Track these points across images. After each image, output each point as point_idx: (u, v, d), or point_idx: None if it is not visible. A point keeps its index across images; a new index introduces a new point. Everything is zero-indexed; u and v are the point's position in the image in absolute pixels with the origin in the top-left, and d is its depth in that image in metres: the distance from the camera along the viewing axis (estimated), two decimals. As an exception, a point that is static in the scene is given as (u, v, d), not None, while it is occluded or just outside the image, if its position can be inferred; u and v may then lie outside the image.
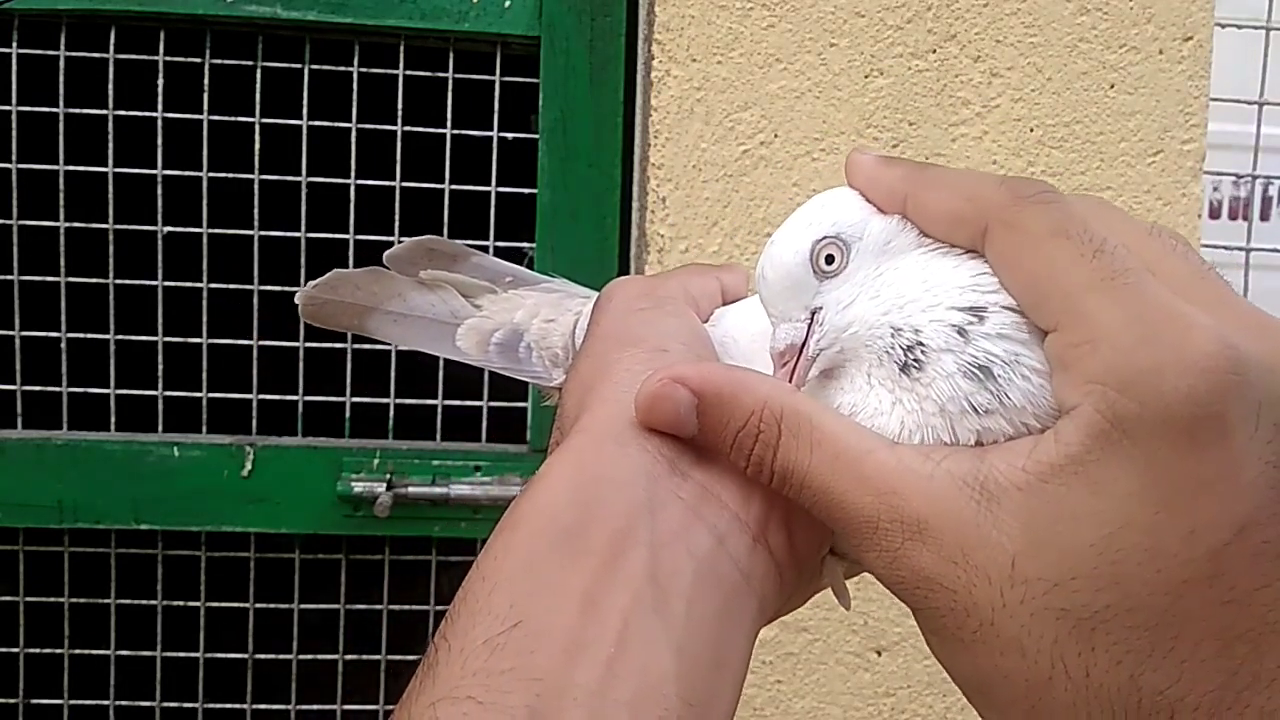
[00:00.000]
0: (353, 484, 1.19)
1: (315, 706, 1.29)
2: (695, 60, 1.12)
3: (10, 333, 1.19)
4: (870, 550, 0.34)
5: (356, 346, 1.21)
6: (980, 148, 1.15)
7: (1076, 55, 1.15)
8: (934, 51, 1.14)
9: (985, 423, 0.34)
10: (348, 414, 1.24)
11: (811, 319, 0.39)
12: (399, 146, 1.20)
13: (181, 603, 1.26)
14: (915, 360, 0.36)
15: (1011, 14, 1.14)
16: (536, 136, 1.19)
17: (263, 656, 1.26)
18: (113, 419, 1.21)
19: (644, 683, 0.31)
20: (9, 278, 1.18)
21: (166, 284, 1.20)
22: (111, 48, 1.16)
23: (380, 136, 1.20)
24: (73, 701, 1.26)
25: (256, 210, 1.19)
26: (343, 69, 1.19)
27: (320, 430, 1.24)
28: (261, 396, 1.22)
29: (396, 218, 1.21)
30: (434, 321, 0.55)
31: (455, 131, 1.20)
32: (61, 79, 1.16)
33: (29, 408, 1.20)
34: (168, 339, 1.21)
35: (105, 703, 1.26)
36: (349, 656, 1.28)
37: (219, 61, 1.18)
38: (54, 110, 1.16)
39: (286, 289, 1.20)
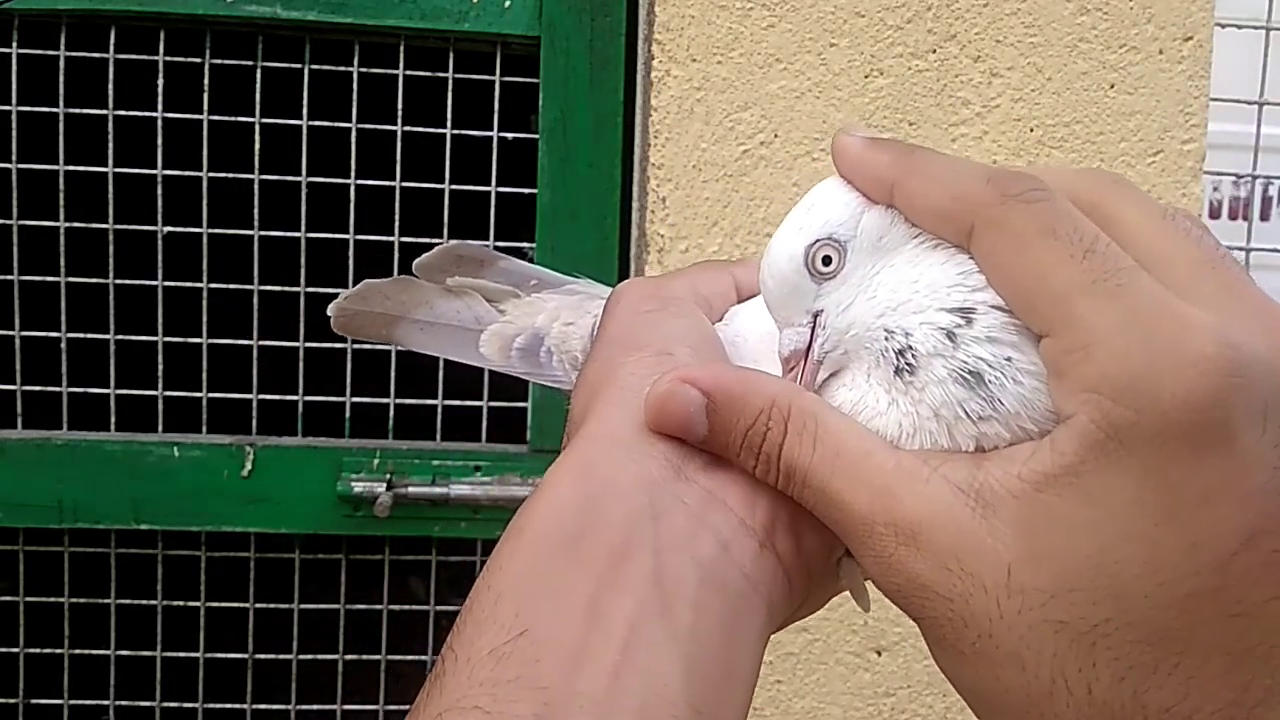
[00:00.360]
0: (353, 484, 1.19)
1: (315, 706, 1.29)
2: (695, 60, 1.12)
3: (10, 333, 1.19)
4: (866, 554, 0.34)
5: (356, 347, 1.21)
6: (980, 148, 1.15)
7: (1076, 55, 1.15)
8: (934, 51, 1.14)
9: (982, 428, 0.34)
10: (348, 414, 1.24)
11: (814, 322, 0.38)
12: (399, 146, 1.20)
13: (181, 603, 1.26)
14: (908, 364, 0.36)
15: (1011, 14, 1.14)
16: (536, 136, 1.19)
17: (263, 656, 1.26)
18: (113, 419, 1.21)
19: (651, 690, 0.31)
20: (9, 278, 1.18)
21: (166, 284, 1.20)
22: (111, 48, 1.16)
23: (380, 136, 1.20)
24: (73, 701, 1.26)
25: (256, 210, 1.19)
26: (343, 69, 1.19)
27: (320, 430, 1.24)
28: (261, 396, 1.22)
29: (396, 218, 1.21)
30: (459, 328, 0.55)
31: (455, 131, 1.20)
32: (61, 79, 1.16)
33: (29, 408, 1.20)
34: (168, 339, 1.21)
35: (105, 703, 1.26)
36: (349, 656, 1.28)
37: (219, 61, 1.18)
38: (54, 110, 1.16)
39: (286, 289, 1.20)
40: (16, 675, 1.25)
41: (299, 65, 1.18)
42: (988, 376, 0.34)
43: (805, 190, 0.40)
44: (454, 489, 1.20)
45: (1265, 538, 0.29)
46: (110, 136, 1.16)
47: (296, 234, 1.20)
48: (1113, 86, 1.16)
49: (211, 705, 1.27)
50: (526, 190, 1.20)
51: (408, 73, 1.19)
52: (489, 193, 1.21)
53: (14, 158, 1.16)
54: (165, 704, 1.27)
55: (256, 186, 1.19)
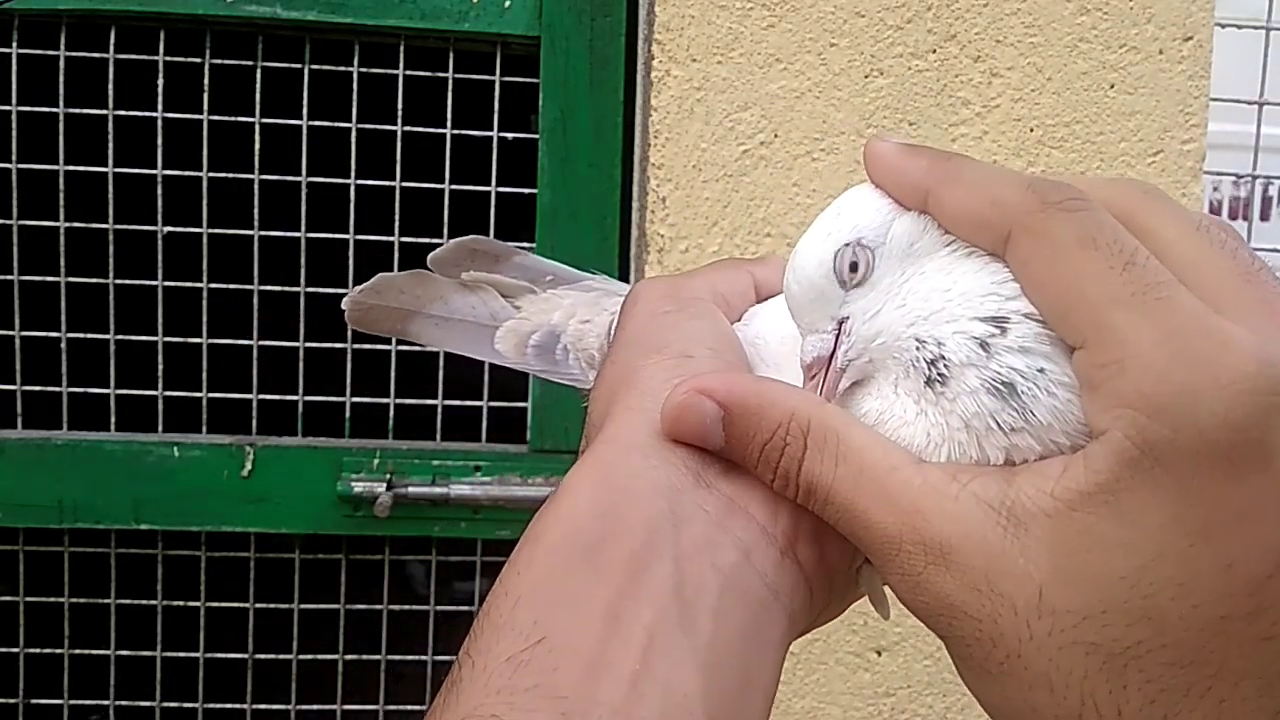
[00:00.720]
0: (353, 484, 1.19)
1: (315, 706, 1.29)
2: (695, 60, 1.12)
3: (10, 333, 1.19)
4: (893, 573, 0.33)
5: (356, 346, 1.21)
6: (980, 148, 1.15)
7: (1076, 55, 1.15)
8: (934, 51, 1.14)
9: (1013, 440, 0.33)
10: (348, 414, 1.24)
11: (839, 329, 0.38)
12: (399, 146, 1.20)
13: (181, 603, 1.26)
14: (939, 375, 0.35)
15: (1011, 14, 1.14)
16: (536, 136, 1.19)
17: (263, 656, 1.26)
18: (113, 419, 1.21)
19: (669, 700, 0.30)
20: (9, 278, 1.18)
21: (166, 284, 1.20)
22: (111, 48, 1.16)
23: (380, 136, 1.20)
24: (73, 701, 1.26)
25: (256, 210, 1.19)
26: (343, 69, 1.19)
27: (320, 430, 1.24)
28: (261, 396, 1.22)
29: (396, 218, 1.21)
30: (474, 324, 0.54)
31: (455, 131, 1.20)
32: (61, 79, 1.16)
33: (29, 408, 1.20)
34: (168, 339, 1.21)
35: (105, 703, 1.26)
36: (349, 656, 1.28)
37: (219, 61, 1.18)
38: (54, 110, 1.16)
39: (286, 289, 1.20)
40: (16, 675, 1.25)
41: (299, 65, 1.18)
42: (1020, 387, 0.33)
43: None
44: (454, 489, 1.20)
45: None
46: (110, 136, 1.16)
47: (296, 234, 1.20)
48: (1113, 86, 1.16)
49: (211, 705, 1.27)
50: (526, 190, 1.20)
51: (408, 73, 1.19)
52: (489, 193, 1.21)
53: (14, 158, 1.16)
54: (165, 704, 1.27)
55: (256, 186, 1.19)
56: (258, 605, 1.26)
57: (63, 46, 1.16)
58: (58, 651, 1.24)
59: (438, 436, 1.25)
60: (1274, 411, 0.28)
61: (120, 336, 1.20)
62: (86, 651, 1.26)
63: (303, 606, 1.26)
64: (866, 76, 1.14)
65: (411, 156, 1.21)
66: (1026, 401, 0.33)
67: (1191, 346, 0.29)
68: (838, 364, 0.37)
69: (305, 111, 1.18)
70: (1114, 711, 0.30)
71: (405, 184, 1.21)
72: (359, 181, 1.20)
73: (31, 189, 1.17)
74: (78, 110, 1.17)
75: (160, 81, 1.17)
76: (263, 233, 1.20)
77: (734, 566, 0.33)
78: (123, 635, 1.26)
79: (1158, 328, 0.29)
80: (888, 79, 1.14)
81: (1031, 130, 1.16)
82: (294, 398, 1.22)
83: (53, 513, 1.19)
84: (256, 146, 1.18)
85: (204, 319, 1.21)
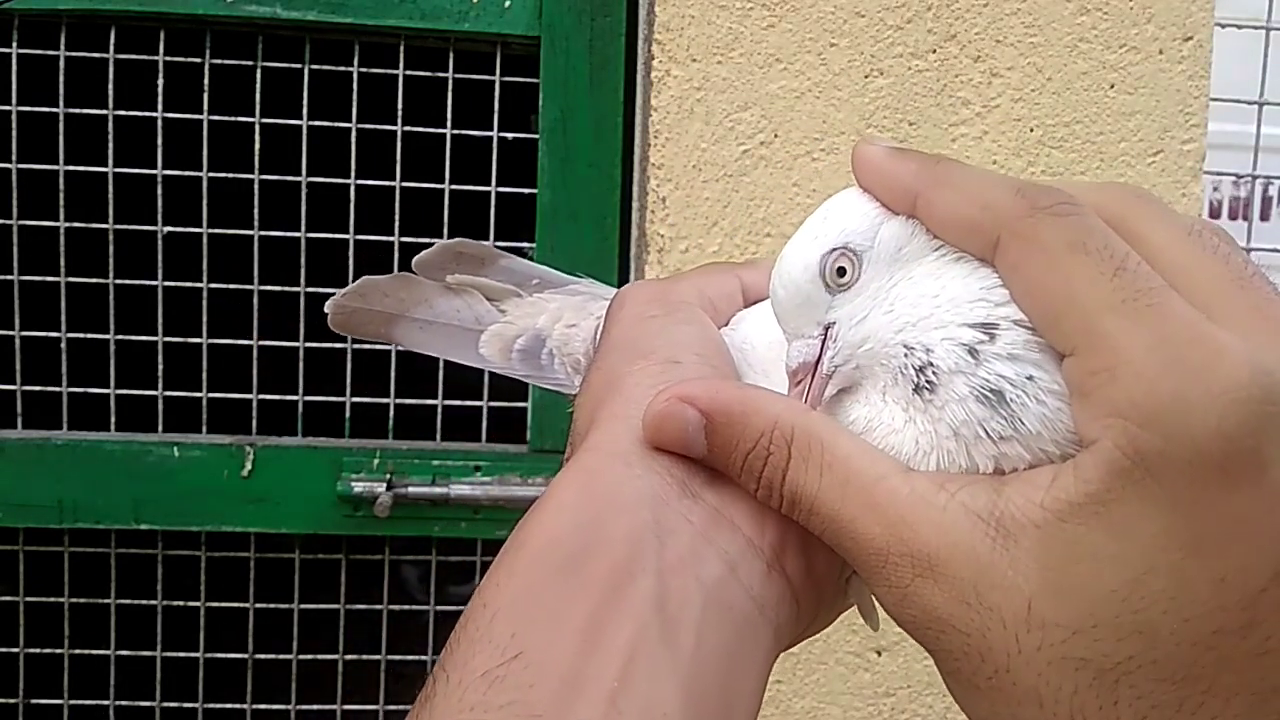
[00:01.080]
0: (353, 484, 1.19)
1: (315, 706, 1.29)
2: (695, 60, 1.12)
3: (10, 333, 1.19)
4: (880, 585, 0.33)
5: (356, 346, 1.21)
6: (980, 148, 1.15)
7: (1076, 55, 1.15)
8: (934, 51, 1.14)
9: (1002, 449, 0.33)
10: (348, 414, 1.24)
11: (825, 335, 0.37)
12: (399, 146, 1.20)
13: (181, 603, 1.26)
14: (928, 382, 0.34)
15: (1011, 14, 1.14)
16: (536, 136, 1.19)
17: (263, 656, 1.26)
18: (113, 419, 1.21)
19: (649, 718, 0.29)
20: (9, 278, 1.18)
21: (166, 284, 1.20)
22: (111, 48, 1.16)
23: (380, 136, 1.20)
24: (73, 701, 1.26)
25: (256, 210, 1.19)
26: (343, 69, 1.19)
27: (320, 430, 1.24)
28: (261, 396, 1.22)
29: (396, 218, 1.21)
30: (459, 328, 0.54)
31: (455, 131, 1.20)
32: (61, 79, 1.16)
33: (29, 408, 1.20)
34: (168, 339, 1.21)
35: (105, 703, 1.26)
36: (349, 656, 1.28)
37: (219, 61, 1.18)
38: (54, 110, 1.16)
39: (286, 289, 1.20)
40: (16, 675, 1.25)
41: (299, 65, 1.18)
42: (1009, 395, 0.33)
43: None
44: (454, 489, 1.20)
45: None
46: (110, 136, 1.16)
47: (296, 234, 1.20)
48: (1113, 86, 1.16)
49: (211, 705, 1.27)
50: (526, 190, 1.20)
51: (408, 73, 1.19)
52: (489, 193, 1.21)
53: (14, 158, 1.16)
54: (165, 704, 1.27)
55: (256, 186, 1.19)
56: (258, 605, 1.26)
57: (63, 46, 1.16)
58: (58, 651, 1.24)
59: (438, 436, 1.25)
60: (1267, 421, 0.28)
61: (120, 336, 1.20)
62: (86, 651, 1.26)
63: (303, 606, 1.26)
64: (866, 76, 1.14)
65: (411, 156, 1.21)
66: (1015, 409, 0.32)
67: (1183, 354, 0.29)
68: (823, 370, 0.37)
69: (305, 111, 1.18)
70: None
71: (405, 184, 1.21)
72: (359, 181, 1.20)
73: (31, 189, 1.17)
74: (78, 110, 1.17)
75: (160, 81, 1.17)
76: (263, 233, 1.20)
77: (719, 580, 0.33)
78: (123, 635, 1.26)
79: (1149, 335, 0.29)
80: (888, 79, 1.14)
81: (1031, 130, 1.16)
82: (294, 398, 1.22)
83: (53, 513, 1.19)
84: (256, 146, 1.18)
85: (204, 319, 1.21)
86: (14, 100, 1.15)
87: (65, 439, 1.20)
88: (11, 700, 1.25)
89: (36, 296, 1.20)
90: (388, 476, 1.20)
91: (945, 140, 1.14)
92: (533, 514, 0.34)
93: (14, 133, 1.16)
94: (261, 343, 1.22)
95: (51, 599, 1.23)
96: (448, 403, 1.24)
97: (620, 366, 0.39)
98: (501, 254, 0.56)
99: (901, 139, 1.14)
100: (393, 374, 1.23)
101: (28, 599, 1.23)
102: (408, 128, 1.20)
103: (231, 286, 1.20)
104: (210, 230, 1.19)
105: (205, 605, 1.26)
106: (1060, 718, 0.30)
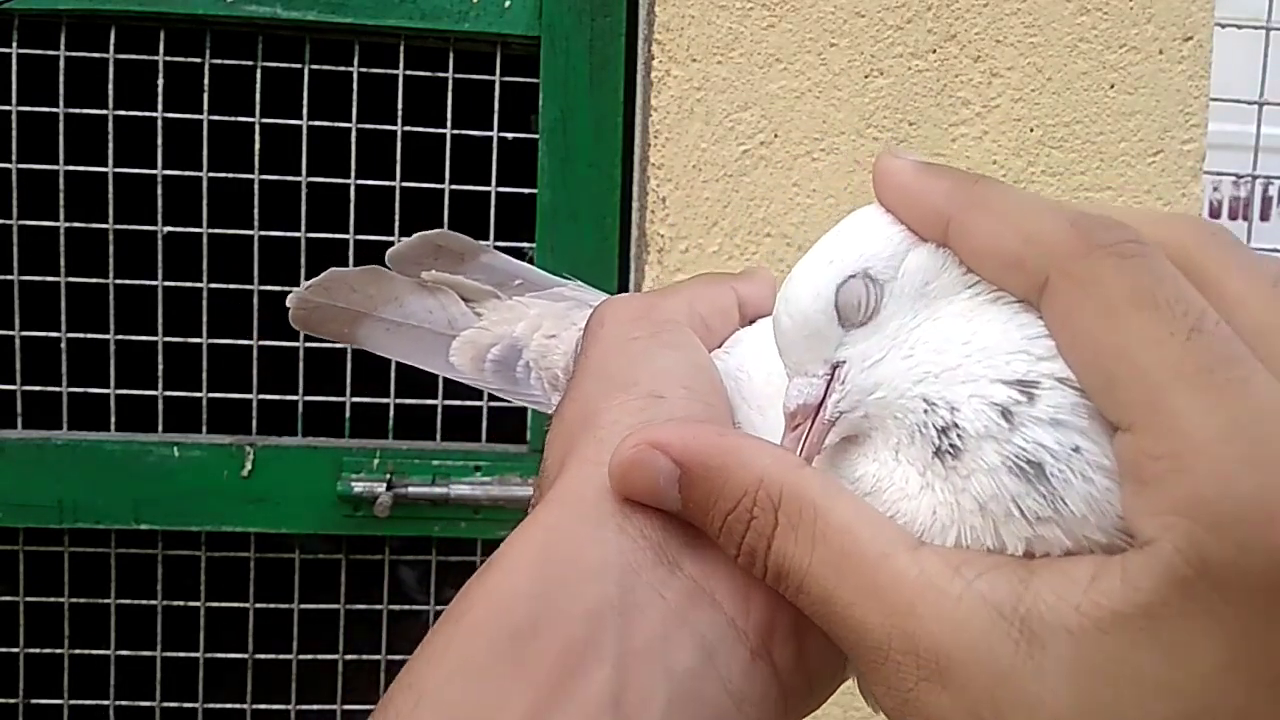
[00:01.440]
0: (353, 484, 1.19)
1: (315, 706, 1.29)
2: (695, 60, 1.12)
3: (10, 333, 1.19)
4: (878, 684, 0.27)
5: (357, 346, 1.21)
6: (980, 148, 1.15)
7: (1076, 55, 1.15)
8: (934, 51, 1.14)
9: (1039, 530, 0.28)
10: (348, 414, 1.24)
11: (832, 374, 0.32)
12: (399, 146, 1.20)
13: (181, 603, 1.26)
14: (951, 446, 0.29)
15: (1011, 14, 1.14)
16: (536, 136, 1.19)
17: (263, 656, 1.26)
18: (113, 419, 1.21)
19: None
20: (9, 278, 1.18)
21: (166, 284, 1.20)
22: (111, 48, 1.16)
23: (380, 136, 1.20)
24: (73, 701, 1.26)
25: (256, 210, 1.19)
26: (343, 69, 1.19)
27: (320, 430, 1.24)
28: (261, 396, 1.22)
29: (396, 218, 1.21)
30: (429, 332, 0.49)
31: (455, 131, 1.20)
32: (61, 79, 1.16)
33: (29, 408, 1.20)
34: (168, 339, 1.21)
35: (105, 703, 1.26)
36: (349, 656, 1.28)
37: (219, 61, 1.18)
38: (54, 110, 1.16)
39: (286, 289, 1.19)
40: (16, 675, 1.25)
41: (299, 65, 1.18)
42: (1050, 469, 0.27)
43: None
44: (454, 489, 1.20)
45: None
46: (110, 136, 1.16)
47: (296, 234, 1.20)
48: (1113, 86, 1.16)
49: (211, 705, 1.27)
50: (526, 190, 1.20)
51: (408, 73, 1.19)
52: (489, 193, 1.21)
53: (14, 158, 1.16)
54: (165, 704, 1.27)
55: (256, 186, 1.19)
56: (258, 605, 1.26)
57: (63, 46, 1.16)
58: (58, 651, 1.24)
59: (438, 436, 1.25)
60: None
61: (120, 336, 1.20)
62: (86, 651, 1.26)
63: (303, 606, 1.26)
64: (866, 76, 1.14)
65: (411, 156, 1.21)
66: (1057, 486, 0.27)
67: (1269, 446, 0.23)
68: (826, 415, 0.32)
69: (305, 111, 1.18)
70: None
71: (405, 184, 1.21)
72: (359, 181, 1.20)
73: (31, 189, 1.17)
74: (78, 110, 1.17)
75: (160, 81, 1.17)
76: (263, 233, 1.20)
77: (690, 671, 0.28)
78: (123, 635, 1.26)
79: (1227, 417, 0.24)
80: (888, 79, 1.14)
81: (1031, 130, 1.16)
82: (294, 398, 1.22)
83: (53, 513, 1.19)
84: (256, 146, 1.18)
85: (204, 319, 1.21)
86: (14, 100, 1.15)
87: (65, 439, 1.20)
88: (11, 700, 1.25)
89: (36, 296, 1.20)
90: (388, 476, 1.20)
91: (945, 140, 1.14)
92: (480, 575, 0.29)
93: (14, 133, 1.16)
94: (261, 343, 1.22)
95: (51, 599, 1.23)
96: (448, 403, 1.24)
97: (597, 399, 0.34)
98: (483, 249, 0.51)
99: (901, 139, 1.14)
100: (393, 374, 1.23)
101: (28, 599, 1.23)
102: (408, 128, 1.20)
103: (231, 286, 1.20)
104: (210, 230, 1.19)
105: (205, 605, 1.26)
106: None
